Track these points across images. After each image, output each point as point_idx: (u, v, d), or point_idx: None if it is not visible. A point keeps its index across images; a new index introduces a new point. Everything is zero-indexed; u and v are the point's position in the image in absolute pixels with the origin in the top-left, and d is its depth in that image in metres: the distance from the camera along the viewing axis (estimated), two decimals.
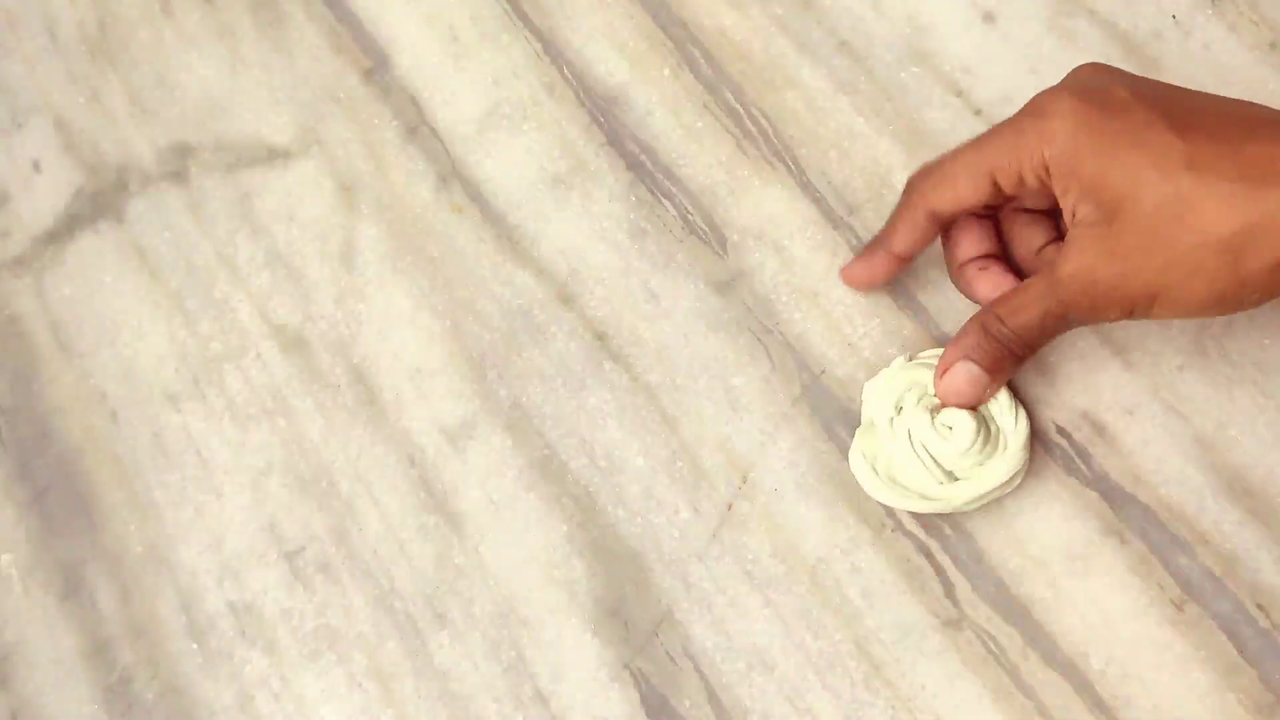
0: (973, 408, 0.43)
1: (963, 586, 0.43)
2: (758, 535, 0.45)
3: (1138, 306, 0.39)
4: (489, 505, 0.47)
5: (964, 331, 0.42)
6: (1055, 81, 0.41)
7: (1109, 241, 0.38)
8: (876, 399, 0.45)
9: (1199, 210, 0.36)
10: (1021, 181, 0.40)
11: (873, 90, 0.51)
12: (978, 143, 0.41)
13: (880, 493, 0.44)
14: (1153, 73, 0.47)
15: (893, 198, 0.49)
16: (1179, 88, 0.40)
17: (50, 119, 0.58)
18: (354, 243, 0.53)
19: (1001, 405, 0.44)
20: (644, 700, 0.44)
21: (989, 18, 0.51)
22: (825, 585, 0.44)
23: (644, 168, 0.52)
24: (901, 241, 0.44)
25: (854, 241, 0.49)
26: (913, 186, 0.43)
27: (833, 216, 0.49)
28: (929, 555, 0.44)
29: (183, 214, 0.55)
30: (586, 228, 0.51)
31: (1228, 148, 0.36)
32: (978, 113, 0.49)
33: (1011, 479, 0.43)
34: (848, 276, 0.47)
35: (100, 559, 0.49)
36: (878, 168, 0.50)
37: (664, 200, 0.51)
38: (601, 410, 0.48)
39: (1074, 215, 0.39)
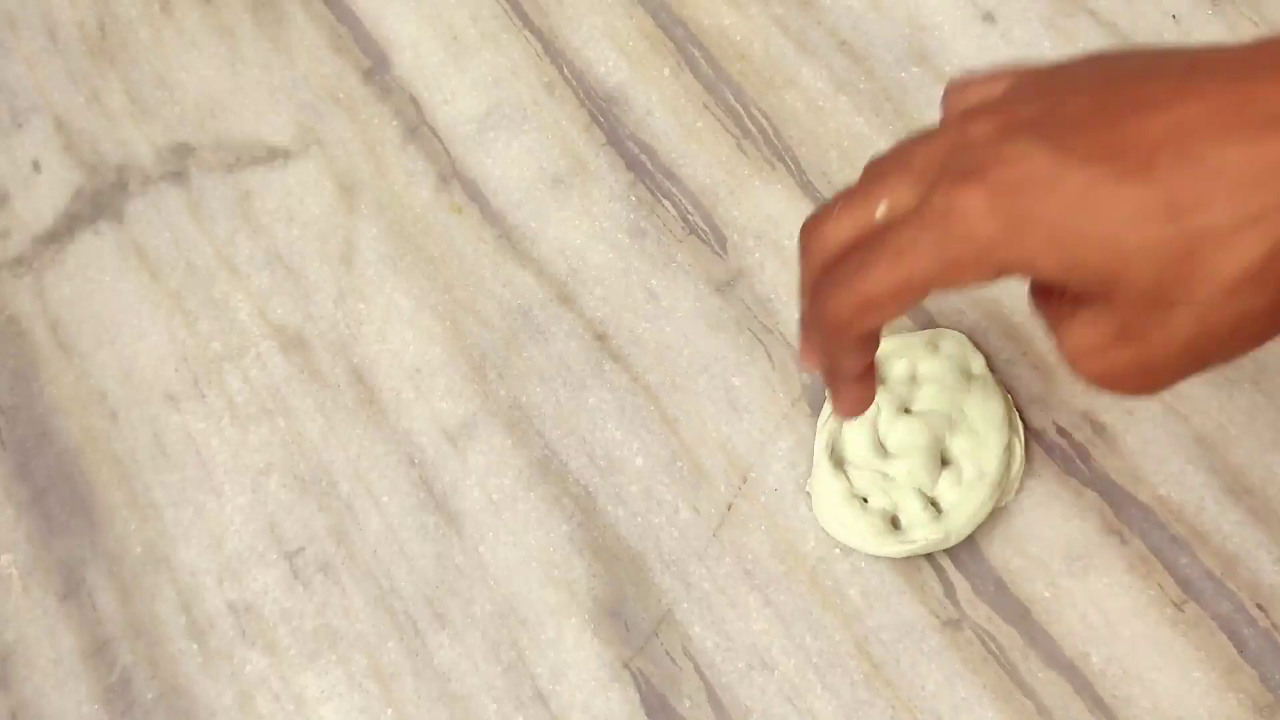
0: None
1: (963, 586, 0.43)
2: (758, 535, 0.45)
3: (1183, 374, 0.32)
4: (489, 505, 0.47)
5: None
6: None
7: (1115, 321, 0.31)
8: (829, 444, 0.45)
9: (1209, 258, 0.29)
10: (966, 288, 0.33)
11: (873, 90, 0.51)
12: (898, 254, 0.32)
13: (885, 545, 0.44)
14: None
15: None
16: (1086, 80, 0.32)
17: (50, 119, 0.58)
18: (354, 242, 0.53)
19: (978, 437, 0.44)
20: (644, 700, 0.44)
21: (989, 18, 0.51)
22: (825, 585, 0.44)
23: (644, 168, 0.52)
24: (852, 366, 0.37)
25: None
26: (826, 308, 0.35)
27: None
28: (929, 555, 0.44)
29: (182, 214, 0.55)
30: (586, 227, 0.51)
31: (1204, 169, 0.29)
32: None
33: (998, 500, 0.43)
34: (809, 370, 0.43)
35: (100, 559, 0.49)
36: None
37: (664, 200, 0.51)
38: (601, 410, 0.48)
39: (1054, 288, 0.32)
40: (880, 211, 0.34)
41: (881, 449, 0.44)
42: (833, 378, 0.38)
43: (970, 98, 0.34)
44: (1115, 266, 0.30)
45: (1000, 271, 0.31)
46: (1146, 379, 0.32)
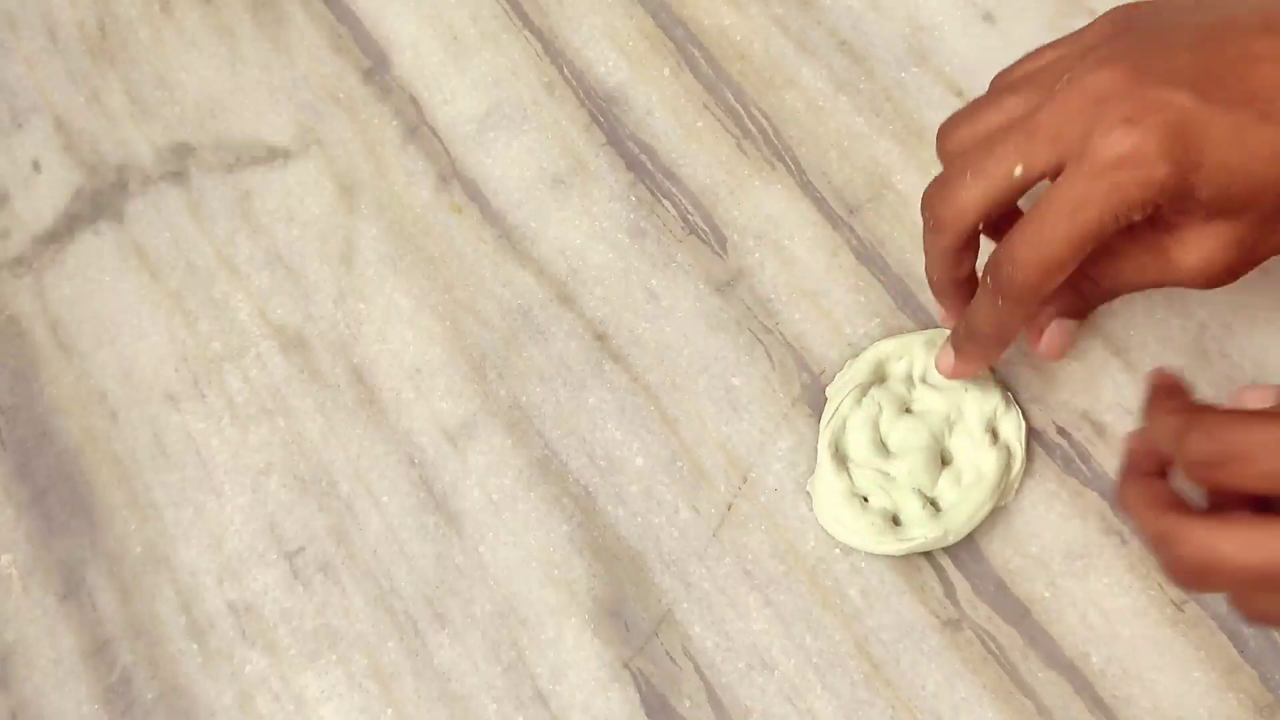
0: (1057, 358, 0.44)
1: (963, 586, 0.43)
2: (758, 535, 0.45)
3: (1254, 267, 0.38)
4: (489, 505, 0.47)
5: (1058, 291, 0.39)
6: None
7: (1238, 233, 0.37)
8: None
9: None
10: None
11: (873, 90, 0.51)
12: (1068, 214, 0.36)
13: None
14: None
15: (893, 197, 0.49)
16: (1193, 34, 0.37)
17: (50, 119, 0.58)
18: (354, 243, 0.53)
19: (975, 439, 0.44)
20: (644, 700, 0.44)
21: (989, 18, 0.51)
22: (825, 585, 0.44)
23: (644, 167, 0.52)
24: (1015, 332, 0.41)
25: (854, 241, 0.49)
26: (1011, 280, 0.38)
27: (832, 216, 0.49)
28: (928, 555, 0.44)
29: (182, 214, 0.55)
30: (586, 227, 0.51)
31: None
32: None
33: (997, 500, 0.43)
34: (957, 374, 0.44)
35: (100, 559, 0.49)
36: (878, 168, 0.50)
37: (664, 200, 0.51)
38: (601, 410, 0.48)
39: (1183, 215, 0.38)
40: (1017, 172, 0.38)
41: (883, 448, 0.44)
42: (1000, 339, 0.42)
43: (1060, 45, 0.41)
44: (1256, 193, 0.36)
45: (1160, 202, 0.36)
46: (1237, 274, 0.38)
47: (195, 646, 0.47)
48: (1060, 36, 0.48)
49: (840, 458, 0.44)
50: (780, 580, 0.44)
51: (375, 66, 0.56)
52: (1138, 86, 0.36)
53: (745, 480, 0.46)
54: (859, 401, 0.45)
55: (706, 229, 0.50)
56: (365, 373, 0.50)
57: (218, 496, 0.50)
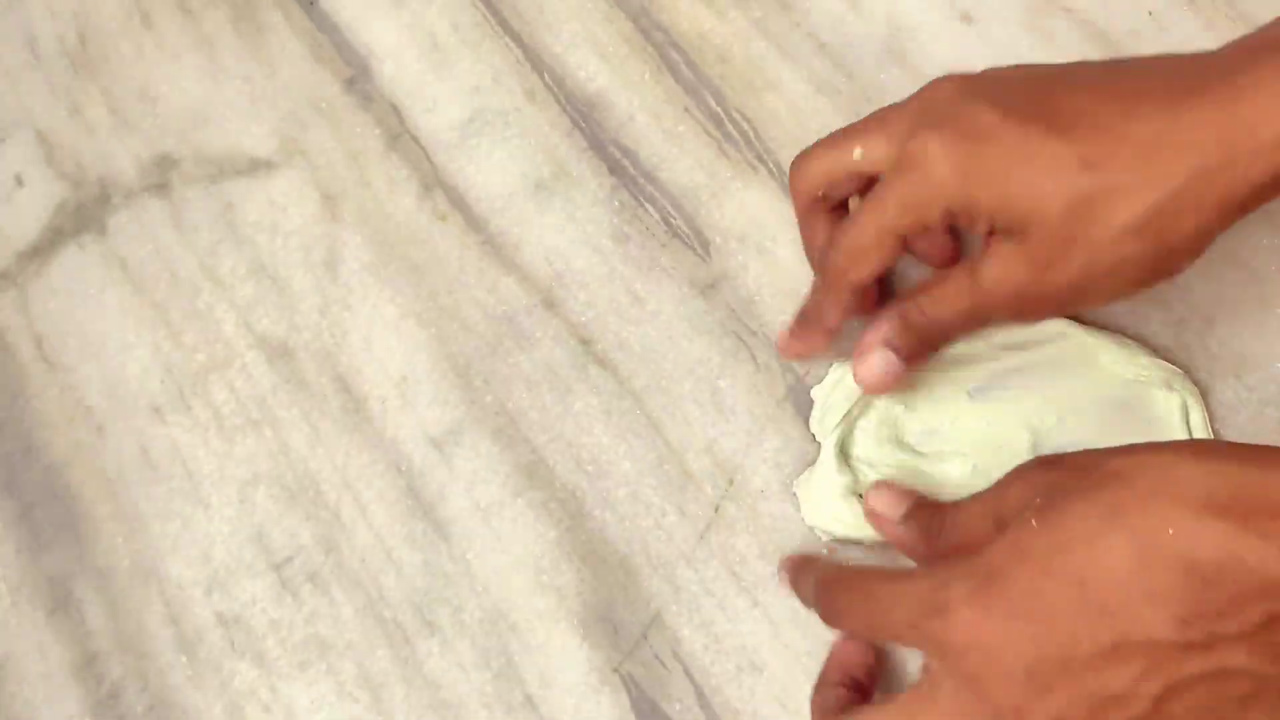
0: (881, 392, 0.43)
1: None
2: (745, 537, 0.45)
3: (1066, 305, 0.40)
4: (476, 511, 0.47)
5: (883, 318, 0.42)
6: None
7: (1026, 252, 0.38)
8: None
9: (1106, 206, 0.36)
10: (926, 230, 0.40)
11: (853, 92, 0.51)
12: (873, 207, 0.40)
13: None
14: None
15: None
16: (1041, 73, 0.40)
17: (32, 133, 0.58)
18: (337, 252, 0.53)
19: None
20: (634, 704, 0.44)
21: (966, 18, 0.51)
22: None
23: (626, 172, 0.52)
24: (835, 318, 0.44)
25: None
26: (827, 265, 0.43)
27: None
28: None
29: (166, 226, 0.55)
30: (570, 233, 0.51)
31: (1114, 136, 0.36)
32: None
33: None
34: (788, 352, 0.47)
35: (88, 572, 0.49)
36: None
37: (646, 204, 0.51)
38: (588, 414, 0.48)
39: (987, 232, 0.40)
40: (856, 154, 0.42)
41: (903, 445, 0.44)
42: (809, 321, 0.45)
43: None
44: (1035, 205, 0.37)
45: (949, 209, 0.39)
46: (1040, 305, 0.40)
47: (184, 659, 0.47)
48: (1037, 36, 0.49)
49: (844, 455, 0.44)
50: (768, 581, 0.44)
51: (356, 75, 0.56)
52: (957, 100, 0.39)
53: (732, 482, 0.46)
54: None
55: (689, 232, 0.50)
56: (351, 381, 0.50)
57: (205, 508, 0.50)
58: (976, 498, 0.38)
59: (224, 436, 0.50)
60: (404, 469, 0.49)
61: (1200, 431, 0.42)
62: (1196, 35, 0.49)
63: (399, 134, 0.54)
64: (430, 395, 0.50)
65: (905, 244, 0.41)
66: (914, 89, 0.50)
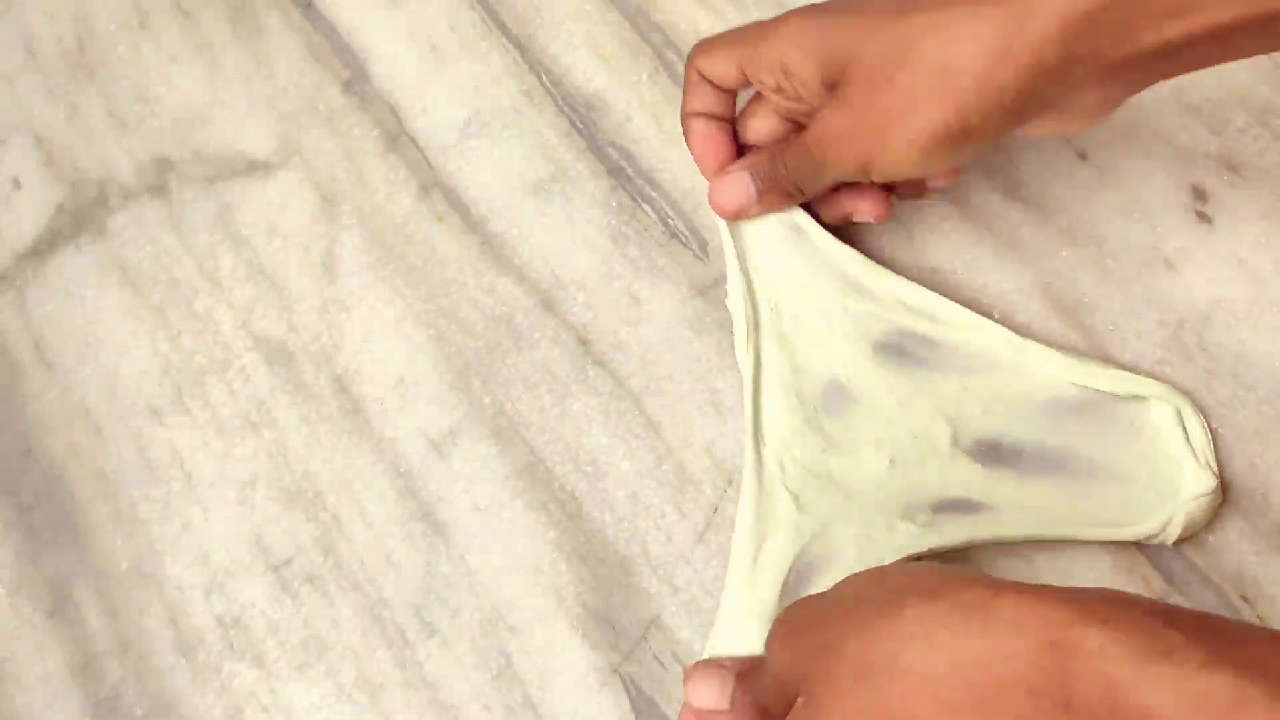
0: (733, 217, 0.45)
1: None
2: None
3: (868, 153, 0.40)
4: (475, 513, 0.47)
5: (756, 153, 0.45)
6: None
7: (840, 99, 0.40)
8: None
9: (917, 48, 0.37)
10: (761, 80, 0.43)
11: None
12: (739, 37, 0.44)
13: None
14: None
15: None
16: None
17: (30, 136, 0.58)
18: (336, 253, 0.53)
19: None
20: (633, 704, 0.44)
21: None
22: None
23: (624, 173, 0.52)
24: (700, 104, 0.46)
25: None
26: (691, 55, 0.45)
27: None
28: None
29: (164, 228, 0.55)
30: (568, 234, 0.51)
31: None
32: None
33: None
34: (720, 202, 0.46)
35: (87, 575, 0.49)
36: None
37: (644, 205, 0.51)
38: (586, 415, 0.48)
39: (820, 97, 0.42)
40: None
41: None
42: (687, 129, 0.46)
43: None
44: (853, 51, 0.39)
45: (785, 70, 0.41)
46: (870, 144, 0.40)
47: (184, 661, 0.47)
48: None
49: (758, 455, 0.44)
50: None
51: (354, 77, 0.56)
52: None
53: (731, 483, 0.46)
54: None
55: (687, 233, 0.50)
56: (349, 383, 0.50)
57: (204, 510, 0.50)
58: (765, 665, 0.36)
59: (223, 438, 0.50)
60: (402, 470, 0.49)
61: (1199, 442, 0.42)
62: None
63: (397, 135, 0.54)
64: (428, 396, 0.50)
65: (743, 80, 0.44)
66: None
